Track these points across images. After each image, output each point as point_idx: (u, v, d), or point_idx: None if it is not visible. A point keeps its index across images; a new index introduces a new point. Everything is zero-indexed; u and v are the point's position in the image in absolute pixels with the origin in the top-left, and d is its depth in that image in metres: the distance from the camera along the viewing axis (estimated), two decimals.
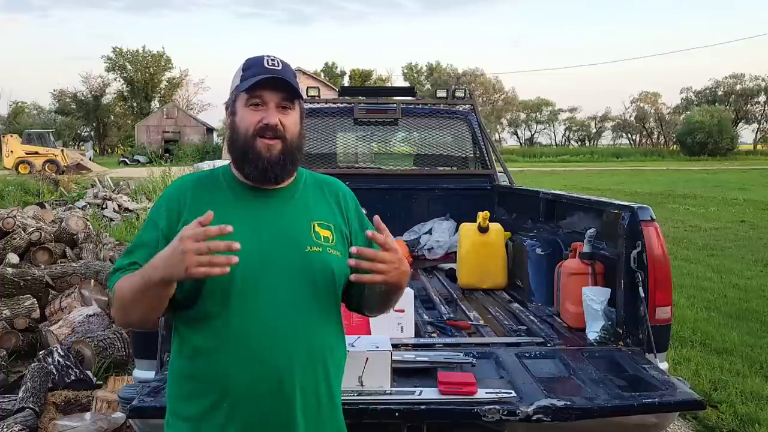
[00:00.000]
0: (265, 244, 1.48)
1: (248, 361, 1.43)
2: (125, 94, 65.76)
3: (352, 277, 1.44)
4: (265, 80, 1.49)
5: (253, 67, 1.53)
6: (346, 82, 73.40)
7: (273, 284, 1.46)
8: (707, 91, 66.58)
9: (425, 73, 74.84)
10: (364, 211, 1.71)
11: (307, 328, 1.48)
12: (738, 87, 64.82)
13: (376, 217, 1.43)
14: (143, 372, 2.41)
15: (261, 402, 1.44)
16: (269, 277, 1.46)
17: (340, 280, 1.56)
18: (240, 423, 1.45)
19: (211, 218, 1.28)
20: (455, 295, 3.55)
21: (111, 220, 10.84)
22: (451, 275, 3.97)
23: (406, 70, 76.71)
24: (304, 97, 4.92)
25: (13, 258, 5.90)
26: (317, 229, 1.54)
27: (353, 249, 1.39)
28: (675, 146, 60.91)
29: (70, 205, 12.48)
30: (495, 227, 3.77)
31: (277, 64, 1.53)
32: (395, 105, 5.04)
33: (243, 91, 1.50)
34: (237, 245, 1.28)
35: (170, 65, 66.47)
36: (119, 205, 12.86)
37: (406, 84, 65.54)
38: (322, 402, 1.51)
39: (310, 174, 1.66)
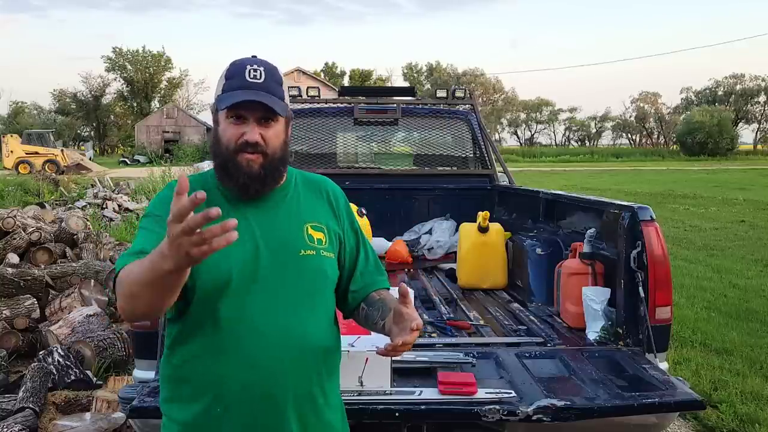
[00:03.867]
0: (258, 249, 1.46)
1: (240, 366, 1.42)
2: (125, 94, 65.72)
3: (379, 352, 1.43)
4: (244, 100, 1.43)
5: (234, 77, 1.47)
6: (346, 82, 73.40)
7: (266, 289, 1.45)
8: (707, 91, 66.65)
9: (425, 73, 74.86)
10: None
11: (301, 333, 1.46)
12: (738, 87, 64.87)
13: (403, 288, 1.46)
14: (143, 372, 2.40)
15: (253, 407, 1.43)
16: (263, 282, 1.45)
17: (334, 283, 1.55)
18: (232, 427, 1.44)
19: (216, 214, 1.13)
20: (455, 295, 3.55)
21: (111, 220, 10.83)
22: (451, 275, 3.96)
23: (406, 70, 76.80)
24: (304, 96, 4.93)
25: (13, 258, 5.90)
26: (310, 231, 1.52)
27: (381, 351, 1.41)
28: (675, 146, 60.94)
29: (70, 205, 12.50)
30: (495, 227, 3.77)
31: (259, 76, 1.46)
32: (395, 105, 5.04)
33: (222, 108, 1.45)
34: (233, 222, 1.11)
35: (170, 65, 66.49)
36: (119, 205, 12.86)
37: (406, 84, 65.53)
38: (318, 406, 1.50)
39: (299, 173, 1.64)
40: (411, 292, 2.55)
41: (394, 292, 1.55)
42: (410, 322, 1.39)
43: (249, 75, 1.46)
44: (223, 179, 1.50)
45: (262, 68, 1.47)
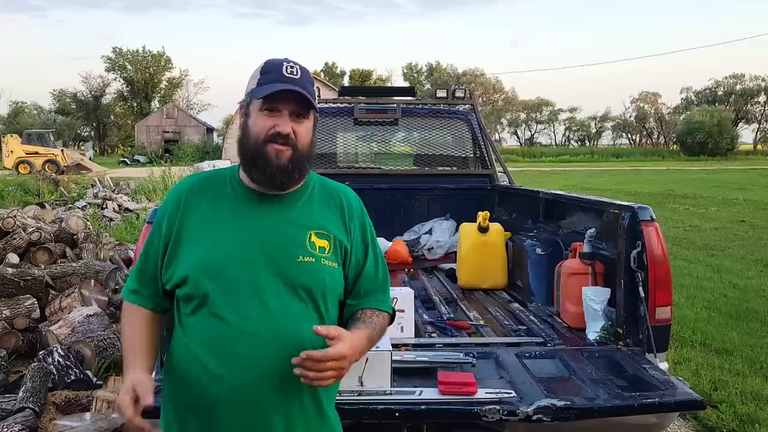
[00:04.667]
0: (257, 252, 1.47)
1: (229, 367, 1.43)
2: (125, 94, 65.77)
3: (303, 380, 1.37)
4: (281, 91, 1.47)
5: (271, 72, 1.51)
6: (346, 82, 73.40)
7: (261, 292, 1.45)
8: (707, 91, 66.64)
9: (425, 73, 74.86)
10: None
11: (295, 338, 1.45)
12: (738, 87, 64.85)
13: (321, 330, 1.41)
14: None
15: (240, 409, 1.44)
16: (258, 285, 1.46)
17: (335, 291, 1.55)
18: (218, 429, 1.45)
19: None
20: (455, 295, 3.55)
21: (111, 220, 10.83)
22: (451, 275, 3.96)
23: (406, 70, 76.80)
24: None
25: (13, 258, 5.89)
26: (314, 238, 1.52)
27: (301, 356, 1.35)
28: (675, 146, 60.94)
29: (70, 205, 12.50)
30: (495, 227, 3.77)
31: (296, 72, 1.51)
32: (395, 105, 5.05)
33: (259, 99, 1.49)
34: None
35: (170, 65, 66.53)
36: (119, 205, 12.86)
37: (406, 84, 65.53)
38: (307, 413, 1.50)
39: (321, 179, 1.65)
40: (411, 292, 2.52)
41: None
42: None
43: (286, 71, 1.51)
44: (251, 171, 1.52)
45: (297, 66, 1.53)
